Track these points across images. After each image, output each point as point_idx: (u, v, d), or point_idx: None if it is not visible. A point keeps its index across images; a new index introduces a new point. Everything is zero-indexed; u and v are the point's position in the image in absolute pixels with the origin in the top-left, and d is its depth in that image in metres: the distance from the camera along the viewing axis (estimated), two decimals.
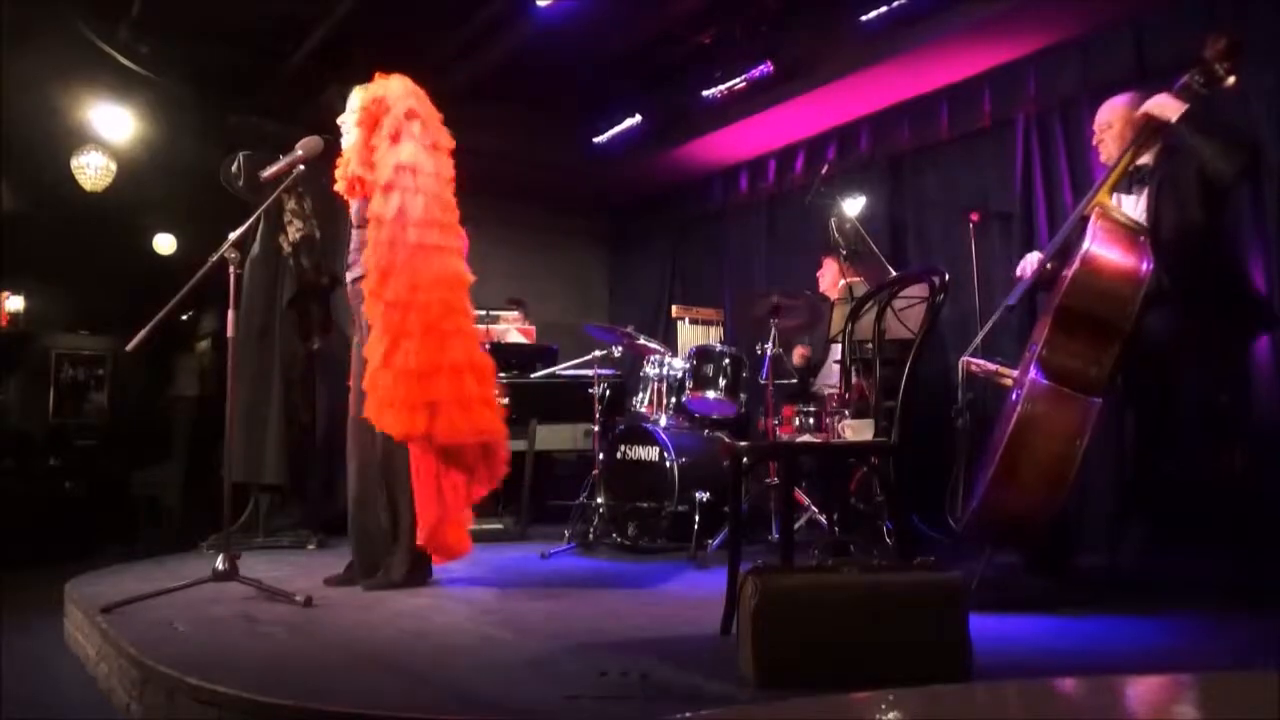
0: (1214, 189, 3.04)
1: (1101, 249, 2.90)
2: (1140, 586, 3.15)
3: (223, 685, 2.03)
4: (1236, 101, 3.79)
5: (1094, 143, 3.40)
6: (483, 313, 5.08)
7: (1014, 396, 2.99)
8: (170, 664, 2.22)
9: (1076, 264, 2.90)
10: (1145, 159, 3.18)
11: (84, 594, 3.28)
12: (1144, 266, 2.87)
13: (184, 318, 6.23)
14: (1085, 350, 2.86)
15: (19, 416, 6.45)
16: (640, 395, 5.02)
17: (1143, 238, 2.94)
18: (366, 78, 3.55)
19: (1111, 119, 3.31)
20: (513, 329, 5.85)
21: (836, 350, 4.68)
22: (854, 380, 4.11)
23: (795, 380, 5.02)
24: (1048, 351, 2.89)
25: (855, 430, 2.87)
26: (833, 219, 4.15)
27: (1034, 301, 4.06)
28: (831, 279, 5.05)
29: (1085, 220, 3.04)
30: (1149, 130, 3.09)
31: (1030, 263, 3.49)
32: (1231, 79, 2.94)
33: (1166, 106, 3.01)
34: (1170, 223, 3.05)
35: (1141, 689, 1.01)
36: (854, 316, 3.10)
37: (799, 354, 5.07)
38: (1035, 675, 1.96)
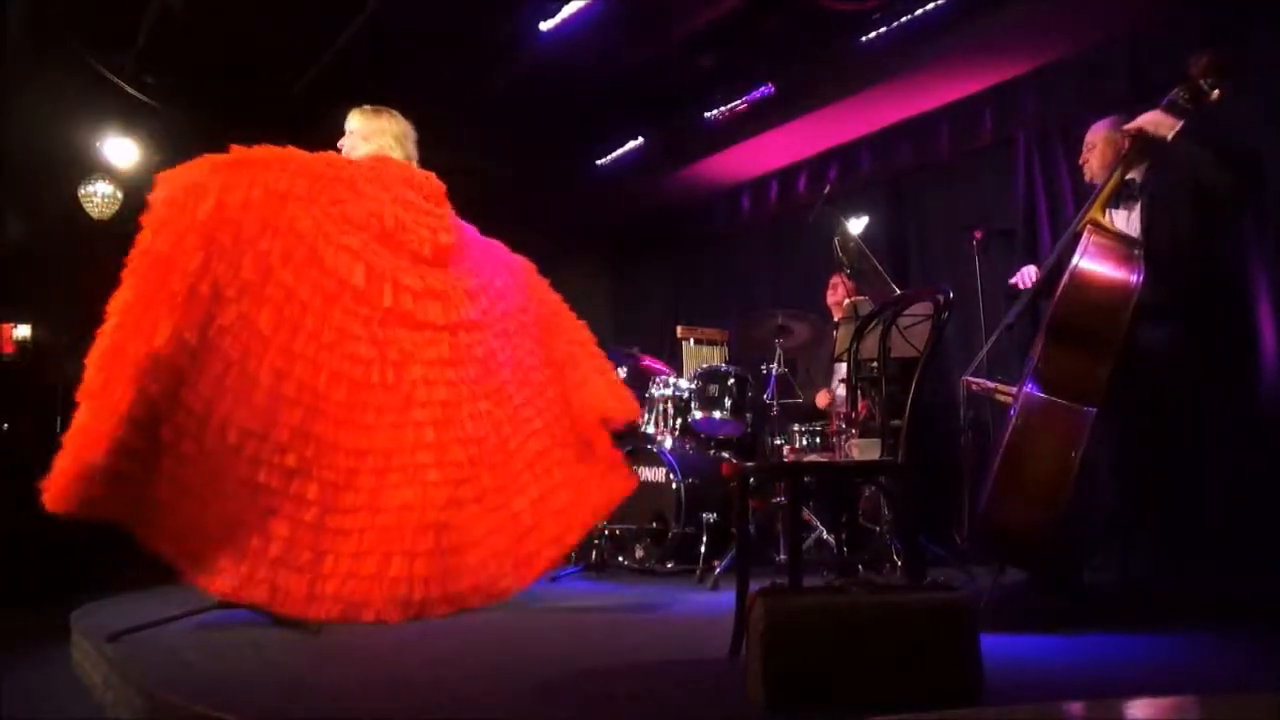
0: (1209, 202, 3.07)
1: (1091, 263, 2.94)
2: (1149, 603, 3.13)
3: (231, 714, 2.02)
4: (1236, 120, 3.80)
5: (1080, 162, 3.47)
6: None
7: (1011, 412, 3.00)
8: (178, 693, 2.21)
9: (1066, 278, 2.95)
10: (1134, 174, 3.23)
11: (90, 622, 3.26)
12: (1134, 279, 2.91)
13: None
14: (1079, 363, 2.89)
15: (26, 447, 6.45)
16: (646, 416, 5.01)
17: (1136, 250, 2.97)
18: (370, 102, 3.60)
19: (1094, 140, 3.41)
20: None
21: (841, 369, 4.67)
22: (859, 399, 4.09)
23: (801, 400, 5.00)
24: (1042, 365, 2.93)
25: (862, 449, 2.86)
26: (836, 238, 4.16)
27: (1036, 316, 4.05)
28: (838, 297, 5.04)
29: (1078, 236, 3.07)
30: (1140, 146, 3.13)
31: (1027, 274, 3.53)
32: (1216, 93, 3.00)
33: (1160, 124, 3.07)
34: (1164, 238, 3.08)
35: (1152, 712, 1.00)
36: (859, 335, 3.11)
37: (823, 397, 5.03)
38: (1047, 695, 1.95)
